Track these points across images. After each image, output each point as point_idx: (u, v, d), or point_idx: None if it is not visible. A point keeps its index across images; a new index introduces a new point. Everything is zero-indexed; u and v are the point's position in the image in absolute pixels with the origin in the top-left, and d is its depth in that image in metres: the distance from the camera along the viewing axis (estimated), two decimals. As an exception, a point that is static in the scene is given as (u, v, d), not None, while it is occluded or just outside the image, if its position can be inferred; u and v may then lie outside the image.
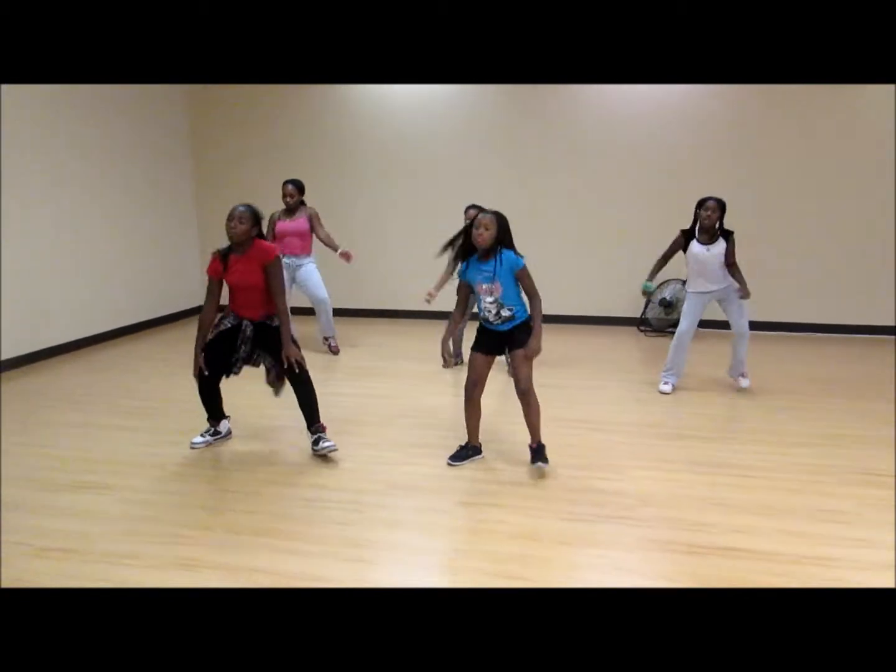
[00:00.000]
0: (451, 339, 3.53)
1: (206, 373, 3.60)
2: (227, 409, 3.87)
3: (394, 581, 2.53)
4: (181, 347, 6.35)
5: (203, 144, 7.91)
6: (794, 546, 2.71)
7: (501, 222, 3.23)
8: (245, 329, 3.60)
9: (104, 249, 6.59)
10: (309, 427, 3.66)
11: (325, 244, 5.87)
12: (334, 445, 3.62)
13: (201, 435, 3.82)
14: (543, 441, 3.46)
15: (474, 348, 3.47)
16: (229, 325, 3.64)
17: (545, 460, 3.42)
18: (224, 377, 3.74)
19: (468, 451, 3.57)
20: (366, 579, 2.52)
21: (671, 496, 3.17)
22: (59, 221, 6.03)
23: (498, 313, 3.31)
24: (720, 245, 4.54)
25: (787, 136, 6.60)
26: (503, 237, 3.24)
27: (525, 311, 3.37)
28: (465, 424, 3.57)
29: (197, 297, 8.08)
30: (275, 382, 3.76)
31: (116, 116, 6.69)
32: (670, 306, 6.85)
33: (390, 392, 4.85)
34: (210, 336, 3.64)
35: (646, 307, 7.06)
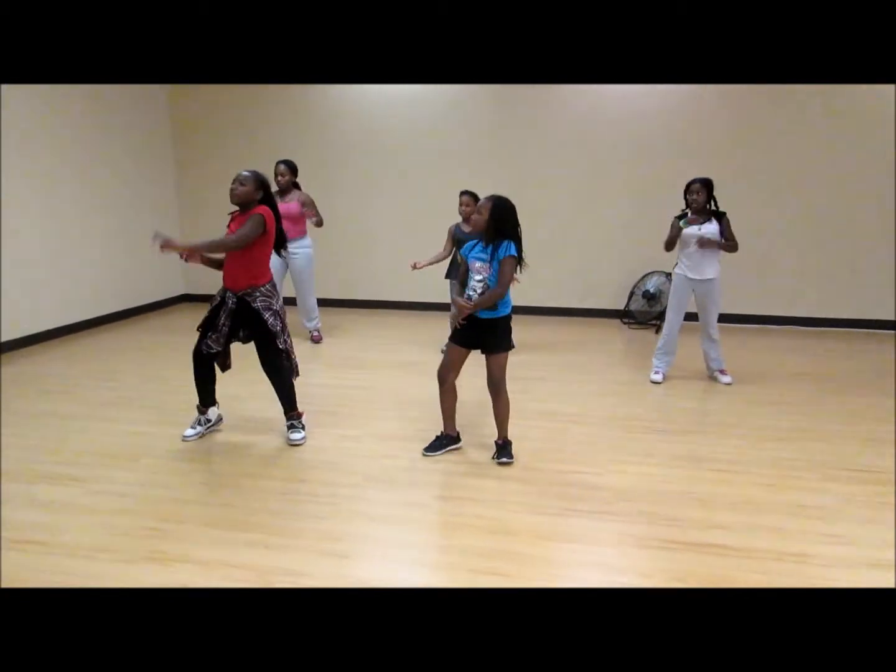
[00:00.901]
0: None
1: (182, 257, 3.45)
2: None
3: (370, 577, 2.50)
4: (164, 337, 6.28)
5: (185, 136, 7.79)
6: (772, 542, 2.71)
7: (495, 210, 3.20)
8: (227, 301, 3.50)
9: (82, 239, 6.47)
10: (285, 414, 3.71)
11: (317, 226, 5.85)
12: (302, 440, 3.65)
13: (192, 426, 3.72)
14: (523, 432, 3.45)
15: (452, 339, 3.45)
16: (218, 300, 3.56)
17: (510, 456, 3.41)
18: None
19: (443, 441, 3.55)
20: (342, 575, 2.49)
21: (650, 491, 3.16)
22: (40, 210, 5.92)
23: (482, 294, 3.28)
24: (712, 226, 4.55)
25: (787, 131, 6.58)
26: (501, 225, 3.21)
27: (507, 306, 3.35)
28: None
29: (177, 287, 8.00)
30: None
31: (99, 110, 6.57)
32: (653, 298, 6.84)
33: (372, 383, 4.81)
34: (206, 314, 3.59)
35: (630, 299, 7.06)
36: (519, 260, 3.25)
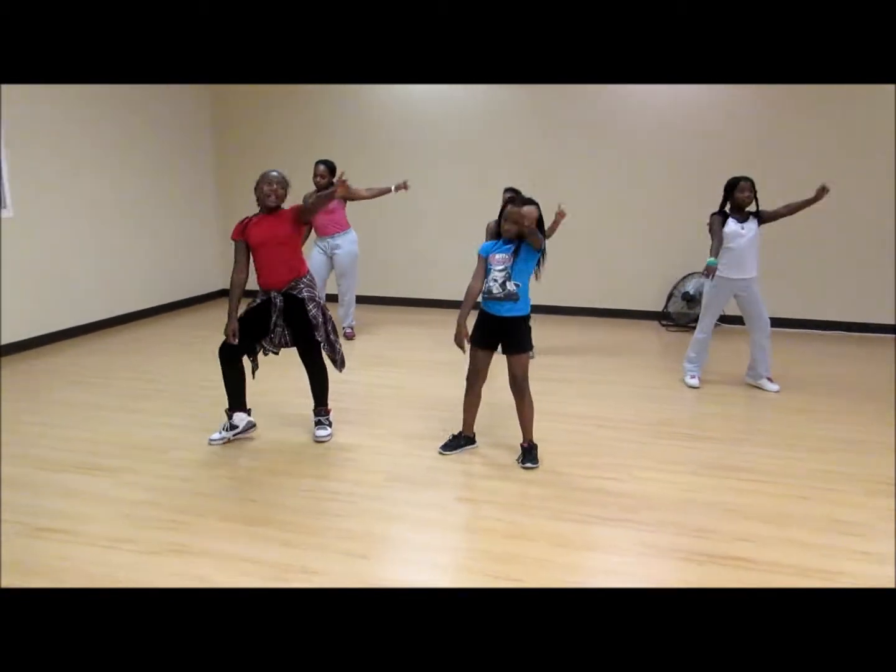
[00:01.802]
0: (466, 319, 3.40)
1: (236, 341, 3.50)
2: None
3: (385, 577, 2.49)
4: (197, 332, 6.39)
5: (224, 131, 7.91)
6: (800, 557, 2.60)
7: (539, 214, 3.19)
8: (275, 300, 3.49)
9: (122, 233, 6.62)
10: (314, 408, 3.74)
11: (379, 195, 5.94)
12: (328, 437, 3.68)
13: (219, 431, 3.69)
14: (548, 435, 3.39)
15: (474, 343, 3.40)
16: (259, 301, 3.55)
17: (535, 461, 3.36)
18: (252, 355, 3.71)
19: (461, 441, 3.53)
20: (358, 574, 2.48)
21: (676, 500, 3.07)
22: (78, 206, 6.07)
23: (504, 284, 3.23)
24: (753, 224, 4.46)
25: (826, 132, 6.38)
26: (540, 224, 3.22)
27: (527, 305, 3.31)
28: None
29: (214, 282, 8.13)
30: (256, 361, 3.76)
31: (137, 104, 6.69)
32: (693, 300, 6.68)
33: (400, 382, 4.81)
34: (240, 314, 3.56)
35: (668, 301, 6.91)
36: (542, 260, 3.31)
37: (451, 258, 7.30)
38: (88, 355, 5.48)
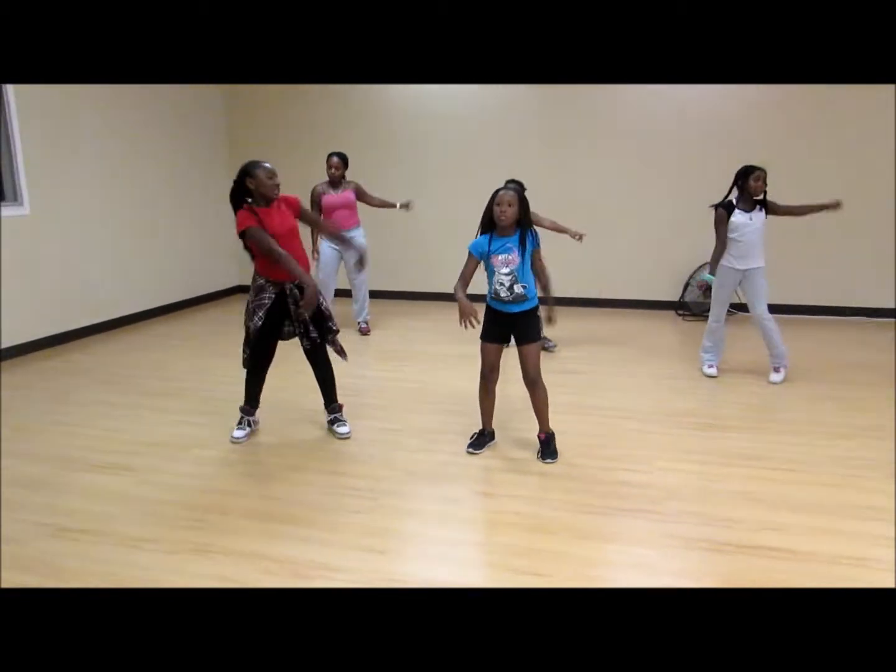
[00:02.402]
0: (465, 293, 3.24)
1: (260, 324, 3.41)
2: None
3: (406, 573, 2.48)
4: (215, 328, 6.42)
5: (239, 129, 7.92)
6: (830, 545, 2.56)
7: (522, 198, 3.12)
8: (291, 291, 3.41)
9: (138, 230, 6.66)
10: (327, 406, 3.72)
11: (383, 206, 5.96)
12: (349, 433, 3.66)
13: (240, 427, 3.67)
14: (568, 427, 3.36)
15: (484, 338, 3.35)
16: (273, 296, 3.42)
17: (554, 454, 3.33)
18: (273, 350, 3.63)
19: (485, 438, 3.50)
20: (378, 570, 2.47)
21: (700, 490, 3.04)
22: (98, 204, 6.11)
23: (511, 287, 3.18)
24: (760, 214, 4.39)
25: (839, 125, 6.29)
26: (523, 215, 3.13)
27: (535, 297, 3.27)
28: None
29: (231, 279, 8.16)
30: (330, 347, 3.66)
31: (153, 103, 6.73)
32: (709, 289, 6.60)
33: (415, 376, 4.80)
34: (256, 320, 3.41)
35: (684, 290, 6.84)
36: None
37: (453, 252, 7.28)
38: (107, 353, 5.51)
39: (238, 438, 3.64)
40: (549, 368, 4.85)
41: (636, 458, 3.38)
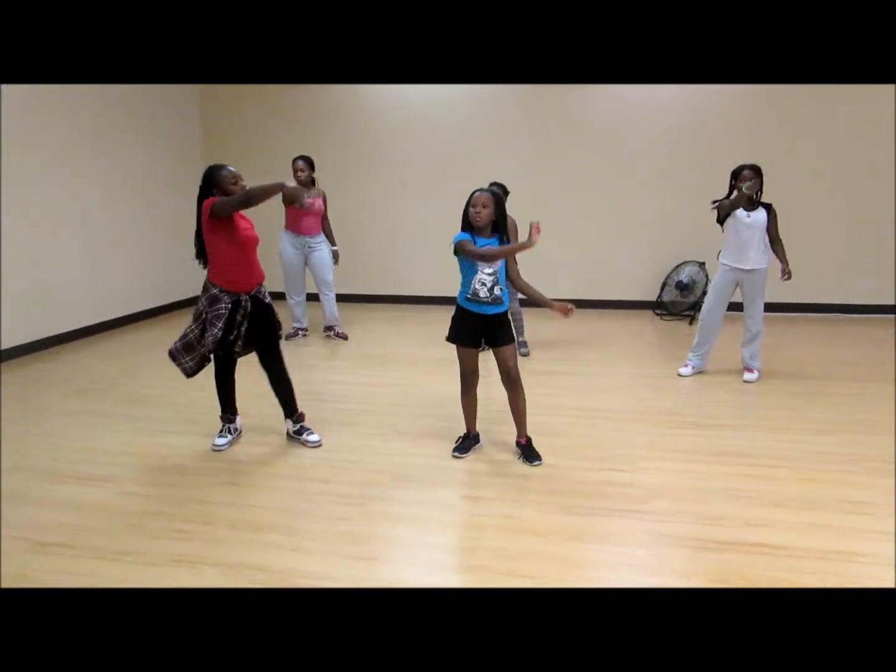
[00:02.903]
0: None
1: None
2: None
3: (396, 580, 2.44)
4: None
5: (214, 136, 7.84)
6: (818, 540, 2.59)
7: (499, 200, 3.11)
8: (245, 304, 3.37)
9: (109, 236, 6.54)
10: (289, 416, 3.65)
11: (325, 231, 5.86)
12: (320, 441, 3.61)
13: (221, 435, 3.63)
14: (552, 429, 3.36)
15: (458, 342, 3.31)
16: (229, 305, 3.33)
17: (537, 457, 3.32)
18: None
19: (471, 442, 3.48)
20: (367, 578, 2.43)
21: (686, 488, 3.05)
22: (63, 211, 5.98)
23: (492, 288, 3.16)
24: (761, 213, 4.41)
25: (796, 127, 6.41)
26: (499, 217, 3.12)
27: (507, 299, 3.27)
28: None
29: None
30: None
31: (125, 107, 6.62)
32: (687, 289, 6.68)
33: (394, 380, 4.76)
34: (216, 331, 3.32)
35: (662, 290, 6.90)
36: None
37: (431, 255, 7.28)
38: (80, 361, 5.39)
39: (220, 446, 3.58)
40: (528, 369, 4.86)
41: (620, 457, 3.39)
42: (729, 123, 6.56)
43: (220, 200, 3.22)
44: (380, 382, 4.72)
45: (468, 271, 3.20)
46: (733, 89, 6.47)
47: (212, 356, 3.46)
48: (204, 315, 3.37)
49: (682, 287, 6.70)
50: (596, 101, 6.82)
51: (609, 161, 6.92)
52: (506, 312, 3.28)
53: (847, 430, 3.68)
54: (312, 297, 6.19)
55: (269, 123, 7.61)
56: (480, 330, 3.27)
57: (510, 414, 3.40)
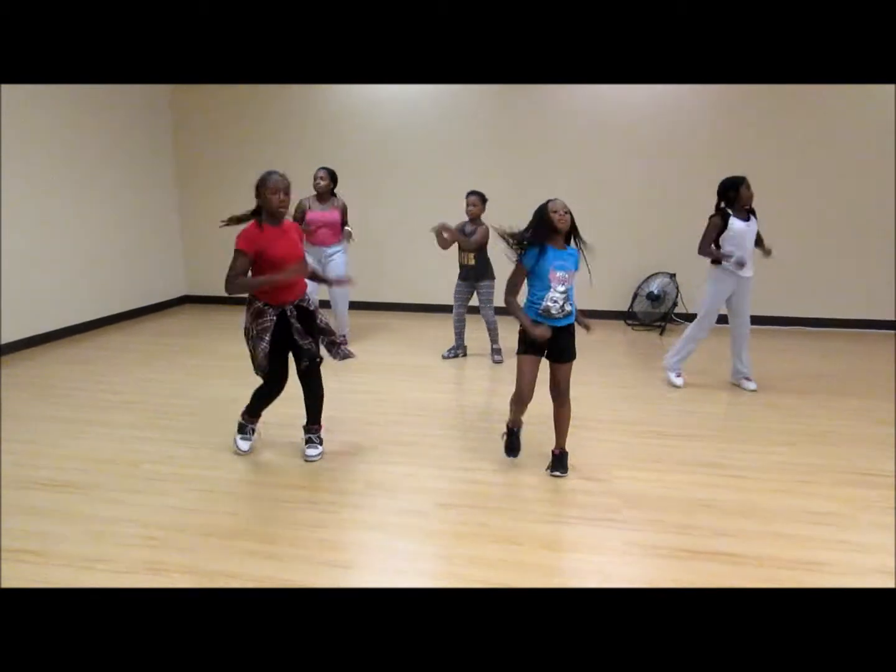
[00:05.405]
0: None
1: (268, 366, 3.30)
2: (207, 405, 3.76)
3: (369, 587, 2.45)
4: (161, 340, 6.24)
5: (186, 137, 7.76)
6: (784, 550, 2.66)
7: (570, 214, 3.16)
8: (291, 314, 3.28)
9: (83, 240, 6.45)
10: (309, 423, 3.61)
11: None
12: (318, 456, 3.55)
13: (244, 439, 3.60)
14: (527, 438, 3.38)
15: (526, 351, 3.24)
16: (274, 318, 3.24)
17: (565, 469, 3.34)
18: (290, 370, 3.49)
19: (516, 440, 3.50)
20: (341, 585, 2.44)
21: (657, 497, 3.10)
22: (38, 212, 5.87)
23: (562, 307, 3.16)
24: (754, 222, 4.52)
25: (788, 130, 6.54)
26: (575, 230, 3.19)
27: (574, 311, 3.26)
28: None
29: (178, 289, 7.97)
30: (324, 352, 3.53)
31: (101, 111, 6.54)
32: (658, 300, 6.78)
33: (376, 387, 4.76)
34: (264, 345, 3.24)
35: (633, 300, 7.00)
36: None
37: (422, 264, 7.32)
38: (46, 366, 5.29)
39: (243, 450, 3.57)
40: (499, 378, 4.92)
41: (594, 466, 3.43)
42: (701, 135, 6.67)
43: (235, 262, 3.12)
44: (359, 389, 4.71)
45: (540, 288, 3.13)
46: (707, 101, 6.58)
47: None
48: (252, 331, 3.28)
49: (653, 298, 6.80)
50: (566, 109, 6.88)
51: (578, 171, 6.99)
52: (572, 325, 3.26)
53: (814, 441, 3.78)
54: (325, 305, 6.16)
55: (239, 130, 7.56)
56: (557, 342, 3.22)
57: (487, 423, 3.43)
